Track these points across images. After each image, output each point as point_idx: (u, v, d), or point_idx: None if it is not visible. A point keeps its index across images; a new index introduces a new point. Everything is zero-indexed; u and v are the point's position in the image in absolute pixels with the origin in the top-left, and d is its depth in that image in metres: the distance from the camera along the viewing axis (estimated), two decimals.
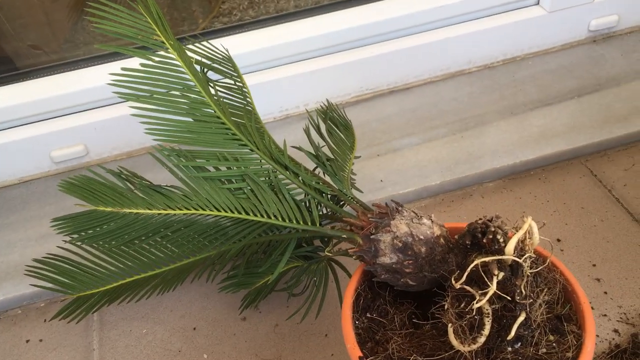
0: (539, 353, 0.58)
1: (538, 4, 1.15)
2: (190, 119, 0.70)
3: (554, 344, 0.59)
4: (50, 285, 0.75)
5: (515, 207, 0.95)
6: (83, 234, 0.70)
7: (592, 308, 0.80)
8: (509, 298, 0.55)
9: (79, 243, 0.72)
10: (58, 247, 0.78)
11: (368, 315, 0.63)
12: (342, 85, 1.13)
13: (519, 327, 0.56)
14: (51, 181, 1.07)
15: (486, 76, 1.17)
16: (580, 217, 0.92)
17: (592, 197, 0.95)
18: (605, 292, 0.82)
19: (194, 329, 0.85)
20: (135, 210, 0.67)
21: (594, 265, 0.86)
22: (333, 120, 0.86)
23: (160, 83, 0.69)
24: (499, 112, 1.08)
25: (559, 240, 0.90)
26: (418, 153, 1.03)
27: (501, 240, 0.56)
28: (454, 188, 0.99)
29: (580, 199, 0.95)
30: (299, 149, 0.80)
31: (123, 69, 0.69)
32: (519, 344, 0.58)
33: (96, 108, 1.06)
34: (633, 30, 1.22)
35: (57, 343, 0.85)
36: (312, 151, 0.77)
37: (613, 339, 0.77)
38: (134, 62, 1.05)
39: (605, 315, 0.80)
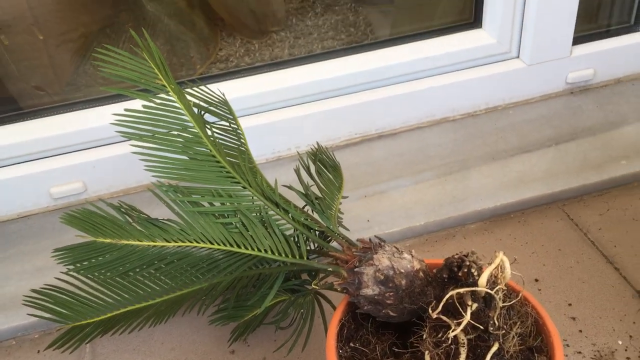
0: None
1: (518, 57, 1.22)
2: (187, 158, 0.75)
3: None
4: (46, 315, 0.78)
5: (495, 247, 0.99)
6: (82, 264, 0.73)
7: (567, 345, 0.83)
8: (482, 328, 0.58)
9: (76, 274, 0.75)
10: (55, 278, 0.81)
11: (351, 344, 0.66)
12: (332, 130, 1.19)
13: (492, 357, 0.60)
14: (49, 217, 1.11)
15: (470, 124, 1.22)
16: (557, 258, 0.96)
17: (569, 239, 0.99)
18: (580, 331, 0.86)
19: None
20: (133, 242, 0.71)
21: (570, 304, 0.89)
22: (322, 162, 0.91)
23: (160, 123, 0.74)
24: (482, 158, 1.14)
25: (536, 280, 0.94)
26: (404, 195, 1.07)
27: (475, 273, 0.60)
28: (438, 229, 1.03)
29: (557, 241, 0.99)
30: (290, 187, 0.85)
31: (126, 109, 0.74)
32: None
33: (95, 147, 1.11)
34: (608, 83, 1.29)
35: None
36: (302, 190, 0.81)
37: None
38: (133, 104, 1.10)
39: (580, 352, 0.83)
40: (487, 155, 1.14)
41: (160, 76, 0.74)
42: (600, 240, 0.99)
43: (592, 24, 1.28)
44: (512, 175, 1.09)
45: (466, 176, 1.10)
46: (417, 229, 1.02)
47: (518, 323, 0.63)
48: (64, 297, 0.77)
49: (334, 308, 0.79)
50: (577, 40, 1.22)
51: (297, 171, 0.86)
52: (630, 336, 0.84)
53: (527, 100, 1.26)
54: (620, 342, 0.84)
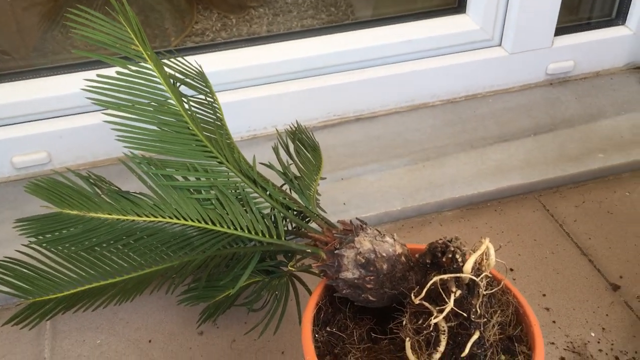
0: None
1: (500, 45, 1.21)
2: (162, 129, 0.71)
3: None
4: (6, 289, 0.73)
5: (471, 236, 0.98)
6: (46, 236, 0.69)
7: None
8: (465, 315, 0.57)
9: (39, 246, 0.71)
10: (16, 251, 0.77)
11: (328, 329, 0.64)
12: (310, 110, 1.16)
13: (472, 345, 0.58)
14: (11, 187, 1.06)
15: (449, 110, 1.21)
16: (532, 248, 0.96)
17: (544, 230, 0.99)
18: (554, 321, 0.85)
19: (150, 341, 0.84)
20: (101, 215, 0.67)
21: (544, 295, 0.89)
22: (302, 142, 0.88)
23: (135, 92, 0.70)
24: (460, 145, 1.13)
25: (511, 269, 0.93)
26: (381, 179, 1.05)
27: (459, 259, 0.59)
28: (414, 215, 1.02)
29: (533, 231, 0.99)
30: (269, 165, 0.82)
31: (99, 75, 0.70)
32: None
33: (63, 116, 1.06)
34: (587, 76, 1.29)
35: (6, 351, 0.83)
36: (281, 169, 0.79)
37: None
38: (104, 73, 1.05)
39: (553, 343, 0.83)
40: (465, 142, 1.13)
41: (137, 42, 0.71)
42: (575, 232, 0.99)
43: (574, 16, 1.27)
44: (490, 163, 1.08)
45: (444, 163, 1.09)
46: (393, 213, 1.00)
47: (498, 312, 0.62)
48: (25, 270, 0.73)
49: (309, 292, 0.77)
50: (559, 31, 1.21)
51: (275, 149, 0.84)
52: (603, 328, 0.84)
53: (507, 89, 1.25)
54: (593, 334, 0.83)
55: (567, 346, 0.82)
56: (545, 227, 0.99)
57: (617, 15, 1.27)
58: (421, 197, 1.02)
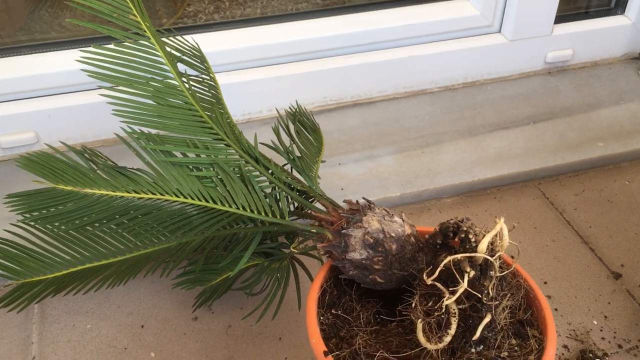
0: (502, 356, 0.58)
1: (500, 32, 1.20)
2: (161, 103, 0.68)
3: (516, 348, 0.59)
4: None
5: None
6: (37, 213, 0.66)
7: None
8: (478, 296, 0.55)
9: (30, 226, 0.68)
10: (5, 230, 0.74)
11: (333, 311, 0.62)
12: (306, 94, 1.13)
13: (483, 329, 0.57)
14: None
15: (447, 97, 1.19)
16: (532, 236, 0.95)
17: (545, 218, 0.98)
18: (556, 309, 0.84)
19: (142, 326, 0.81)
20: (96, 191, 0.64)
21: (545, 282, 0.88)
22: (302, 123, 0.85)
23: (133, 65, 0.67)
24: (459, 132, 1.11)
25: (512, 257, 0.91)
26: (379, 165, 1.03)
27: (472, 240, 0.57)
28: (413, 201, 1.00)
29: (533, 219, 0.98)
30: (272, 146, 0.79)
31: (95, 46, 0.67)
32: (482, 346, 0.58)
33: (52, 95, 1.02)
34: (585, 65, 1.28)
35: None
36: (282, 149, 0.76)
37: (562, 354, 0.79)
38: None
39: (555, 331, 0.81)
40: (464, 129, 1.12)
41: (135, 11, 0.67)
42: (575, 220, 0.97)
43: (574, 4, 1.26)
44: (489, 151, 1.07)
45: (443, 149, 1.07)
46: (392, 199, 0.98)
47: (509, 295, 0.60)
48: (15, 250, 0.70)
49: (310, 276, 0.75)
50: (559, 19, 1.20)
51: (275, 130, 0.81)
52: (605, 316, 0.83)
53: (505, 77, 1.24)
54: (595, 322, 0.82)
55: (570, 334, 0.81)
56: (545, 215, 0.98)
57: (616, 4, 1.26)
58: (420, 183, 1.00)
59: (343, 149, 1.07)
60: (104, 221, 0.69)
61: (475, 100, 1.18)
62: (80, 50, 0.66)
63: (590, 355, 0.78)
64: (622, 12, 1.26)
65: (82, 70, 0.67)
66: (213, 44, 1.08)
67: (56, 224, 0.69)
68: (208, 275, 0.76)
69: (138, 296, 0.85)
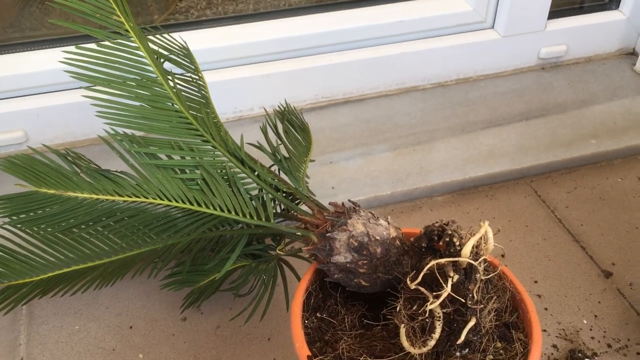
0: (487, 359, 0.58)
1: (493, 27, 1.19)
2: (145, 105, 0.68)
3: (501, 351, 0.59)
4: None
5: (462, 221, 0.96)
6: (21, 216, 0.66)
7: None
8: (462, 301, 0.54)
9: (14, 228, 0.67)
10: None
11: (318, 315, 0.61)
12: (297, 91, 1.13)
13: (468, 332, 0.56)
14: None
15: (440, 94, 1.19)
16: (524, 234, 0.94)
17: (536, 216, 0.97)
18: (546, 309, 0.84)
19: (131, 327, 0.81)
20: (80, 195, 0.64)
21: (536, 281, 0.87)
22: (291, 122, 0.85)
23: (116, 66, 0.67)
24: (451, 129, 1.10)
25: (502, 255, 0.91)
26: (370, 163, 1.03)
27: (457, 243, 0.56)
28: (404, 199, 0.99)
29: (524, 217, 0.97)
30: (258, 145, 0.78)
31: (78, 47, 0.66)
32: (467, 349, 0.58)
33: (40, 94, 1.02)
34: (579, 61, 1.27)
35: None
36: (269, 149, 0.76)
37: (552, 354, 0.78)
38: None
39: (545, 330, 0.81)
40: (456, 126, 1.11)
41: (119, 12, 0.67)
42: (567, 218, 0.97)
43: None
44: (481, 148, 1.06)
45: (434, 147, 1.06)
46: (383, 198, 0.97)
47: (494, 298, 0.60)
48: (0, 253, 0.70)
49: (297, 277, 0.74)
50: (552, 14, 1.19)
51: (263, 129, 0.80)
52: (595, 315, 0.83)
53: (498, 73, 1.23)
54: (585, 322, 0.82)
55: (559, 333, 0.81)
56: (537, 213, 0.98)
57: None
58: (411, 181, 1.00)
59: (334, 146, 1.07)
60: (90, 223, 0.68)
61: (467, 97, 1.18)
62: (62, 51, 0.66)
63: (580, 354, 0.77)
64: (617, 7, 1.25)
65: (64, 71, 0.66)
66: (203, 41, 1.07)
67: (42, 226, 0.68)
68: (196, 277, 0.75)
69: (127, 297, 0.85)
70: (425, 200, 1.00)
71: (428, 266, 0.54)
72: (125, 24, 0.67)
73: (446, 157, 1.04)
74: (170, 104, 0.69)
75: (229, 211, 0.66)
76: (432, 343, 0.55)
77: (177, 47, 0.83)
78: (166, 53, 0.80)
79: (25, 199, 0.64)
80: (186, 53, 0.84)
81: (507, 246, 0.92)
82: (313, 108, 1.15)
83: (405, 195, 0.99)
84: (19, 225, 0.68)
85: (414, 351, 0.55)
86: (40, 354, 0.77)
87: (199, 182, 0.66)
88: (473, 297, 0.56)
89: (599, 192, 1.02)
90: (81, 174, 0.66)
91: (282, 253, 0.69)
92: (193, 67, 0.83)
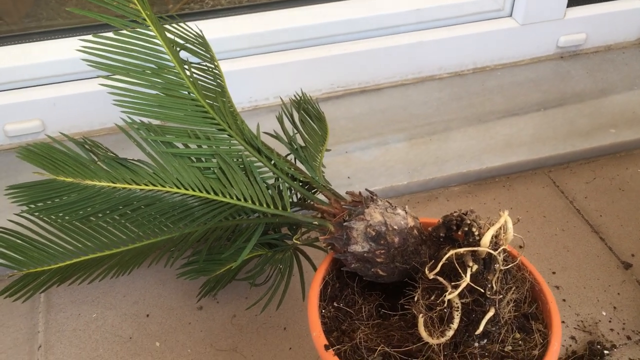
0: (505, 350, 0.58)
1: (511, 16, 1.17)
2: (162, 93, 0.68)
3: (520, 342, 0.58)
4: None
5: (479, 212, 0.95)
6: (39, 204, 0.66)
7: None
8: (481, 291, 0.54)
9: (33, 216, 0.68)
10: (9, 220, 0.74)
11: (335, 304, 0.61)
12: (313, 80, 1.12)
13: (487, 323, 0.56)
14: (3, 156, 1.02)
15: (456, 83, 1.17)
16: (542, 225, 0.93)
17: (554, 207, 0.96)
18: (564, 300, 0.83)
19: (147, 315, 0.82)
20: (98, 183, 0.64)
21: (554, 272, 0.87)
22: (306, 112, 0.84)
23: (133, 54, 0.67)
24: (467, 119, 1.09)
25: (520, 247, 0.90)
26: (386, 153, 1.02)
27: (476, 233, 0.56)
28: (420, 190, 0.99)
29: (542, 208, 0.96)
30: (275, 135, 0.78)
31: (95, 36, 0.66)
32: (486, 340, 0.58)
33: (57, 83, 1.02)
34: (598, 50, 1.25)
35: None
36: (285, 138, 0.75)
37: (570, 345, 0.78)
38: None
39: (563, 322, 0.80)
40: (473, 116, 1.10)
41: (135, 0, 0.66)
42: (585, 208, 0.96)
43: None
44: (498, 138, 1.05)
45: (451, 137, 1.06)
46: (399, 188, 0.97)
47: (513, 288, 0.59)
48: (18, 241, 0.70)
49: (314, 266, 0.74)
50: (571, 2, 1.17)
51: (279, 119, 0.80)
52: (615, 307, 0.82)
53: (516, 62, 1.21)
54: (604, 313, 0.81)
55: (578, 325, 0.80)
56: (555, 204, 0.97)
57: None
58: (427, 171, 0.99)
59: (350, 136, 1.06)
60: (107, 212, 0.69)
61: (484, 86, 1.17)
62: (80, 40, 0.65)
63: (599, 346, 0.77)
64: None
65: (82, 59, 0.66)
66: (219, 30, 1.07)
67: (60, 214, 0.69)
68: (212, 266, 0.75)
69: (143, 285, 0.85)
70: (442, 191, 0.99)
71: (447, 256, 0.54)
72: (142, 12, 0.67)
73: (462, 147, 1.03)
74: (187, 93, 0.68)
75: (245, 200, 0.65)
76: (450, 333, 0.55)
77: (192, 36, 0.82)
78: (182, 42, 0.80)
79: (43, 187, 0.65)
80: (202, 42, 0.84)
81: (525, 237, 0.91)
82: (329, 97, 1.14)
83: (421, 185, 0.98)
84: (37, 214, 0.69)
85: (432, 341, 0.55)
86: (58, 342, 0.78)
87: (216, 171, 0.66)
88: (492, 287, 0.56)
89: (618, 182, 1.00)
90: (98, 163, 0.66)
91: (298, 242, 0.69)
92: (209, 56, 0.83)
